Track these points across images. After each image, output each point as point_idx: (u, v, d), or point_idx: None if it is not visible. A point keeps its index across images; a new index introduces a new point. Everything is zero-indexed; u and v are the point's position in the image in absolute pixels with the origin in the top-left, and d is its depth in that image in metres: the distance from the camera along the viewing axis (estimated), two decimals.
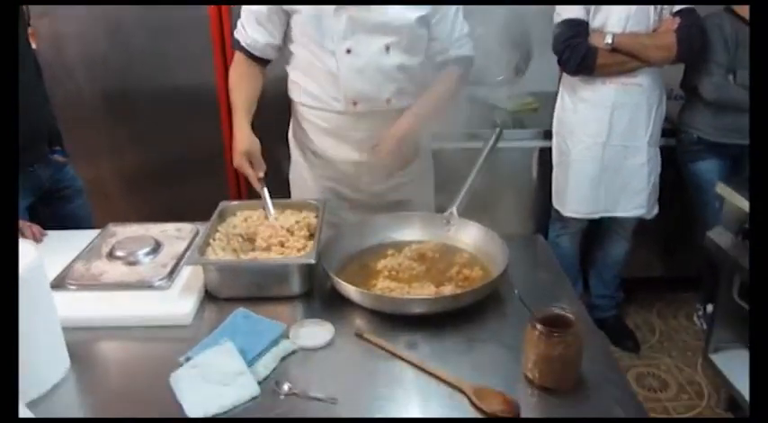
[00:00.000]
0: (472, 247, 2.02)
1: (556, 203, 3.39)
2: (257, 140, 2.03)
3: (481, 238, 2.02)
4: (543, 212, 3.55)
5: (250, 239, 1.98)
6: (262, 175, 2.03)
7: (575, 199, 3.26)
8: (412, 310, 1.69)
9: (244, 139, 2.01)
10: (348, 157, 2.22)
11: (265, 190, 2.00)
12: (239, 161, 2.01)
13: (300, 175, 2.35)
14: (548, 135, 3.39)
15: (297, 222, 2.03)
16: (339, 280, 1.75)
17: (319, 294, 1.87)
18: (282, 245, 1.92)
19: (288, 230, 2.00)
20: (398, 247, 2.02)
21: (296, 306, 1.83)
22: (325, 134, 2.19)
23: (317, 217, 2.06)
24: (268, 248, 1.92)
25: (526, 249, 2.12)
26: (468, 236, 2.05)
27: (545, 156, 3.44)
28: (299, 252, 1.88)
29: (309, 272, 1.85)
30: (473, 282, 1.86)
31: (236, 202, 2.14)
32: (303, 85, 2.17)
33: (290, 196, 2.41)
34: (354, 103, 2.13)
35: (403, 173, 2.28)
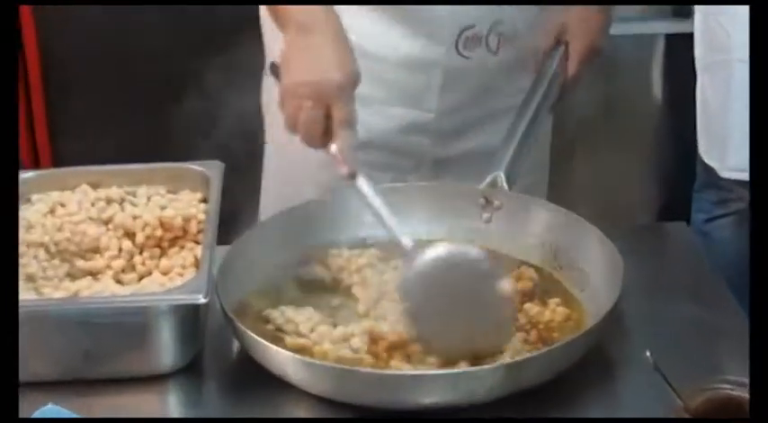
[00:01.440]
0: (541, 255, 1.15)
1: (707, 156, 2.06)
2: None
3: (561, 235, 1.15)
4: (680, 176, 2.34)
5: (79, 254, 1.15)
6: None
7: (745, 143, 1.91)
8: (422, 400, 0.94)
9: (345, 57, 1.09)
10: (410, 51, 1.26)
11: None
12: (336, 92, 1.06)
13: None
14: (682, 12, 2.24)
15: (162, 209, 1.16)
16: (262, 341, 0.98)
17: (219, 367, 1.09)
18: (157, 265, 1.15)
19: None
20: (385, 253, 1.16)
21: (166, 397, 1.06)
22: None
23: (203, 200, 1.18)
24: (119, 273, 1.13)
25: (653, 253, 1.26)
26: (533, 230, 1.17)
27: (679, 50, 2.28)
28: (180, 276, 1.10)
29: (194, 321, 1.05)
30: (550, 332, 1.05)
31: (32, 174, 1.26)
32: None
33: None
34: None
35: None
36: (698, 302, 1.13)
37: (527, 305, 1.04)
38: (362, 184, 1.04)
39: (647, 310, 1.10)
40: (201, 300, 0.97)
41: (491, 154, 1.20)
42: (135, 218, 1.12)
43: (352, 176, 1.03)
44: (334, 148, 1.03)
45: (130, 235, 1.11)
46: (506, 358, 0.95)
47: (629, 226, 1.40)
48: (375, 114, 1.26)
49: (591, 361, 0.99)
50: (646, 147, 2.24)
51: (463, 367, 0.94)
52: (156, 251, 1.11)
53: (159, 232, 1.11)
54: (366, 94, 1.15)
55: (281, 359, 0.94)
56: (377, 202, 1.04)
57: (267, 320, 1.04)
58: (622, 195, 2.25)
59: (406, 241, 1.02)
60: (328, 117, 1.04)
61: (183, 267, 1.09)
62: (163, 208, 1.14)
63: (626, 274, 1.02)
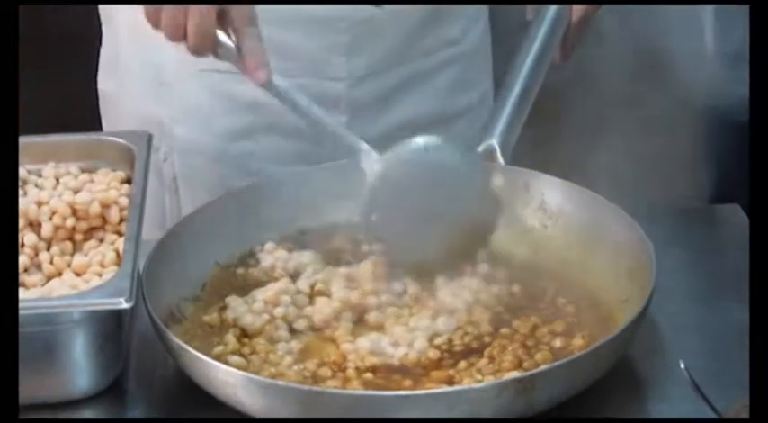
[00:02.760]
0: (555, 248, 1.04)
1: None
2: None
3: (575, 219, 1.02)
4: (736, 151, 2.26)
5: None
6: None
7: None
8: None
9: None
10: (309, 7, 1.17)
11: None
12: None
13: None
14: None
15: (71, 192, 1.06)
16: (202, 356, 0.85)
17: (147, 390, 0.97)
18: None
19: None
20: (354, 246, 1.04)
21: None
22: None
23: (126, 181, 1.08)
24: (21, 274, 1.02)
25: (695, 242, 1.14)
26: (537, 214, 1.05)
27: None
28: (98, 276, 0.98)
29: (115, 332, 0.95)
30: (566, 344, 0.91)
31: None
32: None
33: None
34: None
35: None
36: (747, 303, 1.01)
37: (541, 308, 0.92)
38: (283, 86, 0.97)
39: (686, 312, 0.99)
40: (124, 305, 0.85)
41: (426, 128, 1.09)
42: (40, 204, 0.99)
43: (268, 82, 0.96)
44: (247, 46, 0.95)
45: (35, 226, 0.99)
46: (513, 372, 0.81)
47: (666, 209, 1.27)
48: None
49: (617, 375, 0.87)
50: (691, 118, 2.16)
51: (462, 385, 0.81)
52: (68, 245, 0.98)
53: (71, 222, 0.99)
54: None
55: (226, 379, 0.80)
56: (308, 105, 0.98)
57: (209, 329, 0.91)
58: (664, 175, 2.14)
59: (363, 145, 0.97)
60: (218, 17, 0.96)
61: (102, 266, 0.96)
62: (75, 191, 1.00)
63: (660, 268, 0.90)
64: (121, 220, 0.98)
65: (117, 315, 0.87)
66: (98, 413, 0.91)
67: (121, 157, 1.05)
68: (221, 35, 0.95)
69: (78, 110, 1.47)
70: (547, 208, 1.02)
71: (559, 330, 0.89)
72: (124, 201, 0.99)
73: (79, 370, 0.89)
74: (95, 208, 0.98)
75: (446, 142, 0.98)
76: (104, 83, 1.28)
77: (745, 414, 0.81)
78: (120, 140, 1.07)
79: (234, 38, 0.94)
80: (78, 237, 0.99)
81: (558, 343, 0.87)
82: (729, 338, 0.96)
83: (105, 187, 1.01)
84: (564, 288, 0.96)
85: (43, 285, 0.94)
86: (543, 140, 1.28)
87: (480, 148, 1.03)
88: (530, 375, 0.77)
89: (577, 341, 0.87)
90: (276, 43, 1.10)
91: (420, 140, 0.96)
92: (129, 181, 1.02)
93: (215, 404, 0.84)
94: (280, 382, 0.80)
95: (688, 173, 2.06)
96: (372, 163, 0.94)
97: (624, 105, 1.83)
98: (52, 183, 1.02)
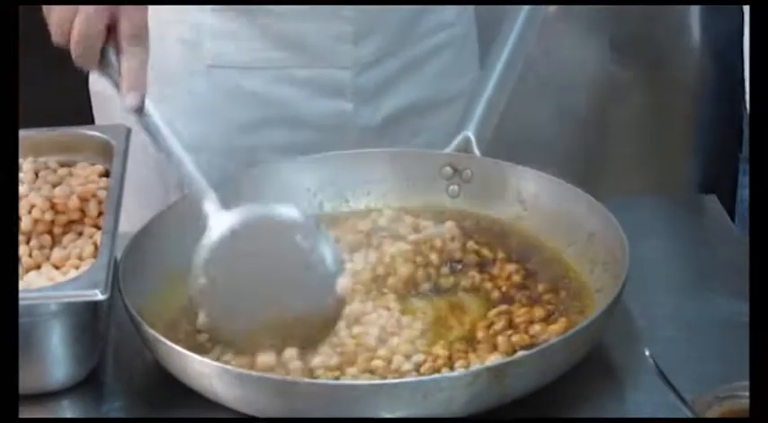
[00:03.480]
0: (531, 237, 1.02)
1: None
2: None
3: (549, 211, 1.01)
4: (726, 143, 2.26)
5: None
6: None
7: None
8: (383, 415, 0.79)
9: None
10: None
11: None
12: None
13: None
14: None
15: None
16: (180, 349, 0.83)
17: (124, 383, 0.95)
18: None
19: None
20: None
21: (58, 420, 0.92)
22: None
23: (105, 174, 1.05)
24: None
25: (672, 233, 1.14)
26: (513, 206, 1.02)
27: None
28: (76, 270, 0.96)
29: (92, 324, 0.91)
30: (538, 330, 0.89)
31: None
32: None
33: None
34: None
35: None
36: (725, 295, 1.02)
37: (512, 297, 0.90)
38: (153, 117, 0.89)
39: (661, 302, 0.98)
40: (99, 296, 0.83)
41: (426, 112, 1.08)
42: (19, 198, 0.98)
43: (139, 109, 0.89)
44: (126, 66, 0.87)
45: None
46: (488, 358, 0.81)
47: (642, 200, 1.26)
48: (276, 82, 1.13)
49: (590, 365, 0.86)
50: (682, 108, 2.11)
51: (435, 375, 0.79)
52: (47, 239, 0.97)
53: (50, 216, 0.97)
54: (261, 57, 1.05)
55: (201, 370, 0.79)
56: (173, 144, 0.90)
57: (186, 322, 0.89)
58: (643, 165, 2.09)
59: (210, 200, 0.86)
60: (109, 29, 0.89)
61: (81, 258, 0.94)
62: (54, 185, 0.99)
63: (635, 258, 0.89)
64: (100, 214, 0.96)
65: (93, 307, 0.85)
66: (75, 405, 0.90)
67: (100, 151, 1.03)
68: (107, 51, 0.89)
69: (73, 109, 1.42)
70: (524, 199, 1.00)
71: (537, 317, 0.88)
72: (103, 194, 0.97)
73: (56, 361, 0.88)
74: (74, 202, 0.96)
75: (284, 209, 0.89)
76: (96, 85, 1.25)
77: (717, 405, 0.80)
78: (99, 134, 1.05)
79: (116, 55, 0.89)
80: (57, 230, 0.97)
81: (535, 329, 0.86)
82: (704, 328, 0.95)
83: (84, 181, 0.99)
84: (542, 275, 0.94)
85: (22, 278, 0.92)
86: (519, 130, 1.27)
87: (455, 141, 1.02)
88: (503, 363, 0.77)
89: (553, 328, 0.87)
90: (283, 34, 1.11)
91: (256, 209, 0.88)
92: (107, 174, 1.00)
93: (193, 395, 0.83)
94: (254, 373, 0.79)
95: (668, 163, 2.04)
96: (220, 216, 0.86)
97: (605, 94, 1.82)
98: (31, 177, 1.00)
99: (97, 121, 1.28)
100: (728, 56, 1.89)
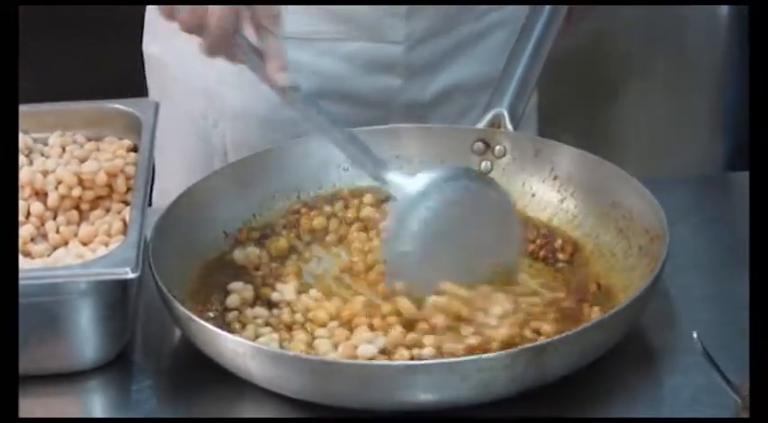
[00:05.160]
0: (558, 214, 1.02)
1: None
2: None
3: (585, 187, 1.00)
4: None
5: None
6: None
7: None
8: (419, 398, 0.79)
9: None
10: None
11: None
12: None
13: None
14: None
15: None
16: (211, 327, 0.83)
17: (154, 362, 0.95)
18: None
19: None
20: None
21: (87, 400, 0.93)
22: None
23: (133, 149, 1.05)
24: (27, 243, 1.00)
25: (708, 211, 1.11)
26: (546, 183, 1.03)
27: None
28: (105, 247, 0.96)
29: (122, 303, 0.91)
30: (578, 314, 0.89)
31: None
32: None
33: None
34: None
35: None
36: None
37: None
38: (303, 93, 0.92)
39: (699, 283, 0.97)
40: (130, 274, 0.83)
41: (476, 90, 1.07)
42: (46, 173, 0.97)
43: (295, 88, 0.92)
44: (271, 46, 0.91)
45: (41, 195, 0.97)
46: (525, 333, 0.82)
47: (679, 177, 1.25)
48: (325, 55, 1.13)
49: (628, 348, 0.86)
50: (708, 81, 2.10)
51: (473, 355, 0.78)
52: (75, 215, 0.96)
53: (78, 191, 0.96)
54: (311, 30, 1.06)
55: (235, 349, 0.79)
56: (326, 119, 0.94)
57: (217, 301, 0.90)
58: (678, 142, 2.09)
59: (390, 169, 0.92)
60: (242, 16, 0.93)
61: (109, 235, 0.94)
62: (82, 160, 0.98)
63: (674, 237, 0.88)
64: (128, 190, 0.96)
65: (123, 285, 0.85)
66: (105, 384, 0.89)
67: (128, 126, 1.03)
68: (241, 35, 0.92)
69: (125, 76, 1.46)
70: (558, 176, 1.01)
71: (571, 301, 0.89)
72: (131, 169, 0.97)
73: (85, 340, 0.87)
74: (102, 177, 0.96)
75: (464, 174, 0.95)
76: (150, 47, 1.25)
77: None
78: (127, 108, 1.05)
79: (255, 38, 0.92)
80: (85, 206, 0.97)
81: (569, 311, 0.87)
82: (743, 309, 0.94)
83: (112, 156, 0.99)
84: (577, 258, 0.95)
85: (49, 255, 0.93)
86: (554, 106, 1.26)
87: (487, 117, 1.03)
88: (542, 344, 0.76)
89: (587, 311, 0.87)
90: (334, 7, 1.11)
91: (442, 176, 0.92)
92: (135, 149, 1.00)
93: (223, 374, 0.83)
94: (289, 353, 0.79)
95: (703, 140, 2.04)
96: (402, 187, 0.91)
97: (638, 71, 1.82)
98: (58, 151, 1.00)
99: (150, 83, 1.30)
100: None
